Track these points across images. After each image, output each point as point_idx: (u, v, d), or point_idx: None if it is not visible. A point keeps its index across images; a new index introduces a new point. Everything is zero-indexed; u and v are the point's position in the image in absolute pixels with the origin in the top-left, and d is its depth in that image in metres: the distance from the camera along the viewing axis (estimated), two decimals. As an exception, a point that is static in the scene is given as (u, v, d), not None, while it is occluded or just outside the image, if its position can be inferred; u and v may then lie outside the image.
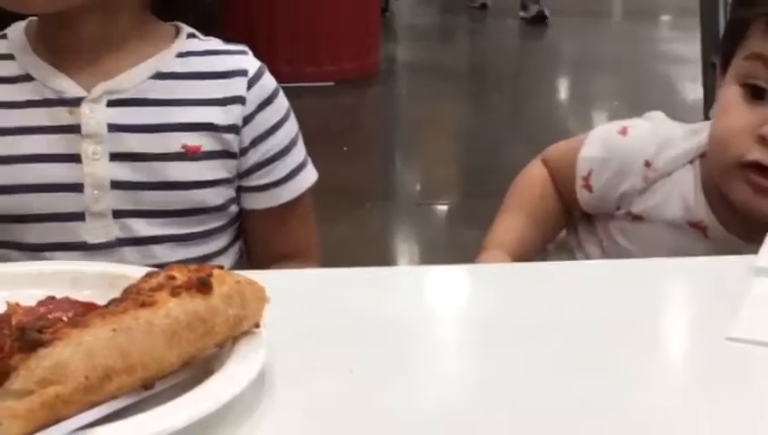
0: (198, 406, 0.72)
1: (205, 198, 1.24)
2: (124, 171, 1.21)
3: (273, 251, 1.31)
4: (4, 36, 1.26)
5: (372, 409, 0.79)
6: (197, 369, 0.78)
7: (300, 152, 1.32)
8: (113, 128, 1.20)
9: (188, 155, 1.22)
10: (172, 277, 0.78)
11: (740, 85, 1.23)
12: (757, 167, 1.19)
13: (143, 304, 0.74)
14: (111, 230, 1.21)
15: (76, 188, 1.20)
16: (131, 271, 0.90)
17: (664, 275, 1.07)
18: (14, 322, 0.79)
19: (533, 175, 1.43)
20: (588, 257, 1.37)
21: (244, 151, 1.26)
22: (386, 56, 6.08)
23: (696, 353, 0.92)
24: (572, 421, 0.77)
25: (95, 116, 1.20)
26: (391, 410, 0.78)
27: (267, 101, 1.27)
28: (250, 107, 1.25)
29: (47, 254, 1.20)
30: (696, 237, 1.29)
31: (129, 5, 1.23)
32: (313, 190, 1.34)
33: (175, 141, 1.22)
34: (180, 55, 1.26)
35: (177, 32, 1.29)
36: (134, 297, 0.75)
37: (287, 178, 1.29)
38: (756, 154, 1.19)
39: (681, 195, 1.30)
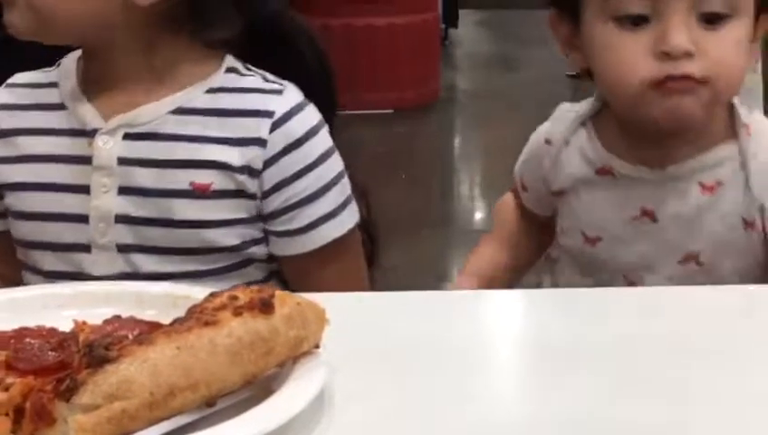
0: (259, 424, 0.73)
1: (214, 237, 1.20)
2: (130, 206, 1.19)
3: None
4: (60, 64, 1.27)
5: (430, 430, 0.80)
6: (258, 388, 0.79)
7: (330, 201, 1.24)
8: (124, 161, 1.19)
9: (196, 193, 1.19)
10: (235, 298, 0.79)
11: (613, 20, 1.23)
12: (670, 79, 1.21)
13: (206, 324, 0.76)
14: (116, 264, 1.20)
15: (82, 219, 1.20)
16: (195, 292, 0.92)
17: (721, 299, 1.08)
18: (81, 339, 0.82)
19: (505, 201, 1.52)
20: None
21: (266, 195, 1.21)
22: (445, 84, 6.10)
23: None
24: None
25: (108, 148, 1.19)
26: (448, 432, 0.79)
27: (295, 145, 1.21)
28: (272, 150, 1.20)
29: (59, 282, 1.16)
30: (608, 183, 1.32)
31: (151, 43, 1.21)
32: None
33: (183, 178, 1.19)
34: (210, 91, 1.22)
35: (220, 64, 1.24)
36: (198, 316, 0.77)
37: (310, 227, 1.23)
38: (663, 69, 1.20)
39: (581, 153, 1.34)
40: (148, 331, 0.80)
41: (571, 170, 1.35)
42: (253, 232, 1.23)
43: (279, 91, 1.23)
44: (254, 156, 1.20)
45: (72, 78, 1.24)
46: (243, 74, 1.24)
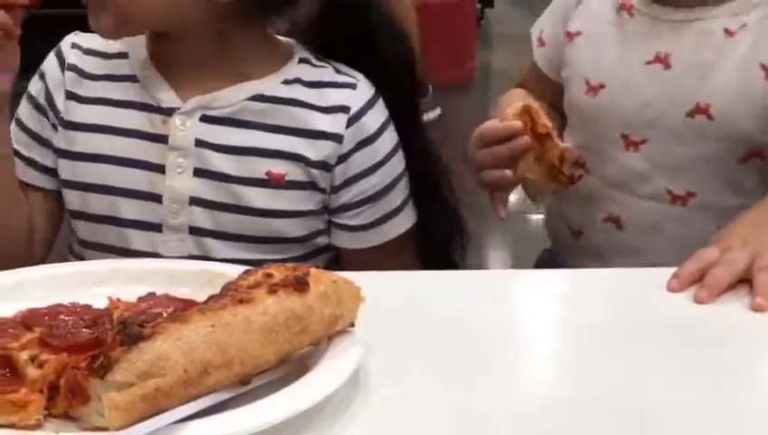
0: (295, 402, 0.73)
1: (285, 227, 1.20)
2: (205, 189, 1.19)
3: None
4: None
5: (465, 408, 0.79)
6: (293, 366, 0.79)
7: (396, 197, 1.25)
8: (201, 144, 1.19)
9: (271, 183, 1.19)
10: (270, 275, 0.79)
11: None
12: None
13: (241, 301, 0.75)
14: (187, 246, 1.19)
15: (156, 198, 1.19)
16: (229, 269, 0.92)
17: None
18: (115, 317, 0.81)
19: (510, 90, 1.52)
20: None
21: (335, 189, 1.22)
22: (481, 64, 6.06)
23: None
24: (665, 424, 0.76)
25: (185, 129, 1.19)
26: (483, 410, 0.78)
27: (367, 141, 1.22)
28: (347, 146, 1.20)
29: (120, 259, 1.15)
30: (626, 22, 1.32)
31: (224, 33, 1.20)
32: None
33: (260, 167, 1.19)
34: (287, 82, 1.22)
35: (291, 54, 1.25)
36: (232, 294, 0.76)
37: (377, 222, 1.24)
38: None
39: None
40: (183, 308, 0.79)
41: (595, 7, 1.36)
42: (318, 223, 1.23)
43: (353, 86, 1.23)
44: (329, 152, 1.20)
45: (142, 50, 1.23)
46: (315, 66, 1.24)
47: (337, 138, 1.20)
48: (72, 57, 1.25)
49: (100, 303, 0.86)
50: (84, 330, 0.80)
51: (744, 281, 1.00)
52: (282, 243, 1.21)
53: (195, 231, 1.19)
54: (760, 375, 0.86)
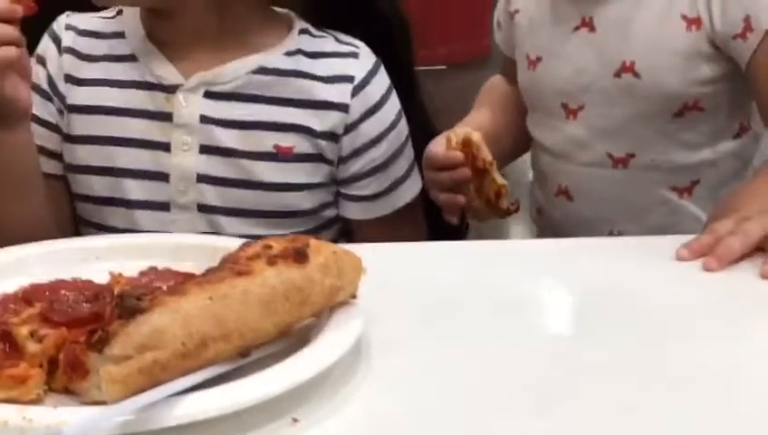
0: (296, 373, 0.72)
1: (294, 201, 1.20)
2: (213, 165, 1.18)
3: None
4: (121, 12, 1.25)
5: (466, 378, 0.78)
6: (294, 338, 0.78)
7: (403, 164, 1.26)
8: (206, 120, 1.18)
9: (279, 156, 1.18)
10: (269, 247, 0.78)
11: None
12: None
13: (240, 273, 0.75)
14: (197, 224, 1.18)
15: (163, 177, 1.19)
16: (232, 242, 0.91)
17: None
18: (116, 291, 0.81)
19: (489, 79, 1.53)
20: None
21: (344, 160, 1.21)
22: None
23: None
24: (680, 387, 0.76)
25: (189, 106, 1.18)
26: (485, 379, 0.78)
27: (373, 110, 1.22)
28: (353, 115, 1.20)
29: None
30: None
31: (225, 3, 1.20)
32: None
33: (267, 140, 1.18)
34: (288, 54, 1.21)
35: (291, 26, 1.24)
36: (231, 266, 0.76)
37: (387, 191, 1.25)
38: None
39: None
40: (183, 282, 0.78)
41: None
42: (327, 196, 1.23)
43: (355, 54, 1.23)
44: (336, 122, 1.20)
45: (139, 29, 1.22)
46: (315, 36, 1.24)
47: (343, 107, 1.20)
48: (68, 39, 1.25)
49: (102, 278, 0.86)
50: (85, 305, 0.80)
51: (761, 250, 0.99)
52: (291, 217, 1.21)
53: (204, 208, 1.19)
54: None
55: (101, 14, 1.27)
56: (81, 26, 1.25)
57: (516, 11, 1.39)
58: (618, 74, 1.26)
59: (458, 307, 0.90)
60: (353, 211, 1.24)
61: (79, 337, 0.74)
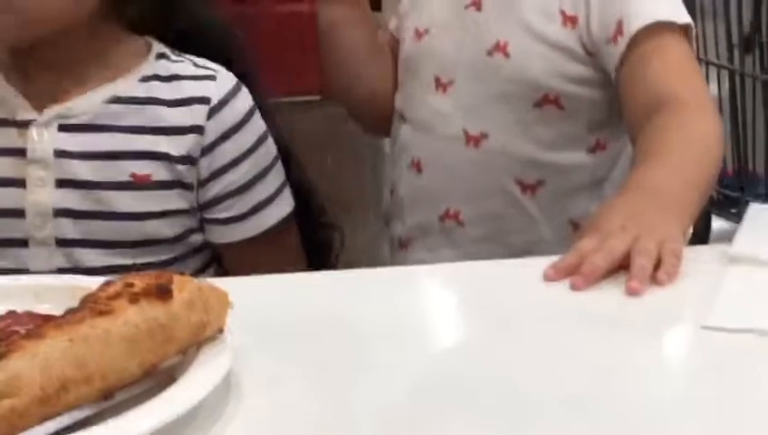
0: (160, 414, 0.70)
1: (155, 229, 1.18)
2: (70, 199, 1.16)
3: None
4: None
5: (337, 412, 0.77)
6: (160, 377, 0.76)
7: (269, 186, 1.24)
8: (60, 154, 1.16)
9: (137, 184, 1.17)
10: (131, 285, 0.76)
11: None
12: None
13: (101, 313, 0.73)
14: (54, 259, 1.17)
15: (19, 213, 1.16)
16: (93, 282, 0.89)
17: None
18: (-27, 338, 0.78)
19: None
20: None
21: (202, 183, 1.20)
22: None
23: (672, 342, 0.91)
24: (544, 411, 0.76)
25: (42, 141, 1.16)
26: (359, 412, 0.77)
27: (231, 131, 1.20)
28: (209, 137, 1.19)
29: None
30: None
31: (93, 28, 1.18)
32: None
33: (123, 170, 1.17)
34: (144, 79, 1.20)
35: (149, 50, 1.23)
36: (91, 306, 0.74)
37: (250, 212, 1.23)
38: None
39: None
40: (42, 325, 0.76)
41: None
42: (191, 222, 1.22)
43: (212, 77, 1.22)
44: (192, 145, 1.18)
45: None
46: (173, 60, 1.22)
47: (198, 129, 1.19)
48: None
49: (-42, 324, 0.83)
50: (-60, 352, 0.77)
51: (624, 268, 1.00)
52: (154, 245, 1.19)
53: (62, 242, 1.17)
54: (636, 362, 0.85)
55: None
56: None
57: None
58: (490, 53, 1.30)
59: (329, 338, 0.89)
60: (217, 235, 1.23)
61: (-67, 387, 0.71)
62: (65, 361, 0.69)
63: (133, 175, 1.17)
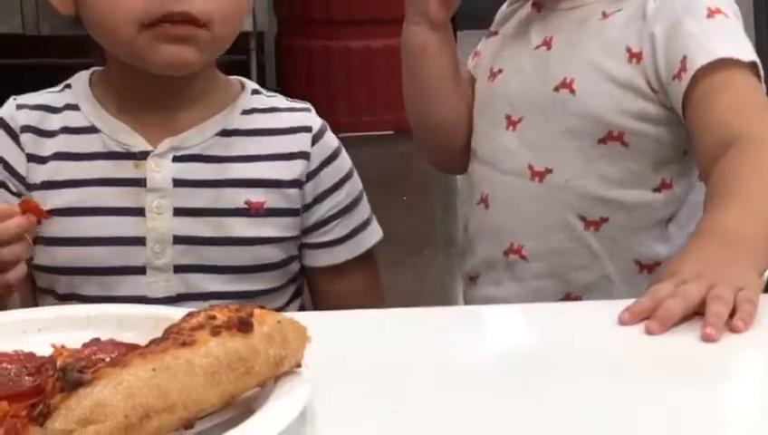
0: (239, 445, 0.72)
1: (268, 254, 1.24)
2: (187, 226, 1.21)
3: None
4: (69, 86, 1.27)
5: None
6: (238, 409, 0.78)
7: (364, 211, 1.32)
8: (178, 183, 1.22)
9: (251, 211, 1.23)
10: (213, 317, 0.78)
11: None
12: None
13: (183, 344, 0.75)
14: (172, 285, 1.22)
15: (139, 241, 1.21)
16: (176, 313, 0.91)
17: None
18: (58, 364, 0.80)
19: None
20: None
21: (306, 208, 1.26)
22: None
23: (748, 389, 0.91)
24: None
25: (161, 170, 1.21)
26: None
27: (331, 158, 1.28)
28: (314, 163, 1.26)
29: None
30: (527, 15, 1.41)
31: (209, 66, 1.25)
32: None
33: (238, 197, 1.23)
34: (245, 112, 1.26)
35: (242, 87, 1.29)
36: (174, 337, 0.76)
37: (349, 235, 1.30)
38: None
39: None
40: (126, 353, 0.78)
41: (503, 7, 1.46)
42: (293, 249, 1.27)
43: (308, 109, 1.30)
44: (301, 169, 1.25)
45: (91, 100, 1.25)
46: (267, 95, 1.30)
47: (305, 155, 1.26)
48: (23, 118, 1.25)
49: (44, 350, 0.85)
50: (26, 378, 0.79)
51: (699, 314, 1.00)
52: (263, 271, 1.25)
53: (179, 269, 1.21)
54: (712, 408, 0.85)
55: (48, 90, 1.29)
56: (33, 102, 1.27)
57: (495, 32, 1.46)
58: (557, 89, 1.32)
59: (408, 376, 0.90)
60: (318, 259, 1.29)
61: (20, 411, 0.73)
62: (149, 390, 0.71)
63: (248, 202, 1.23)
